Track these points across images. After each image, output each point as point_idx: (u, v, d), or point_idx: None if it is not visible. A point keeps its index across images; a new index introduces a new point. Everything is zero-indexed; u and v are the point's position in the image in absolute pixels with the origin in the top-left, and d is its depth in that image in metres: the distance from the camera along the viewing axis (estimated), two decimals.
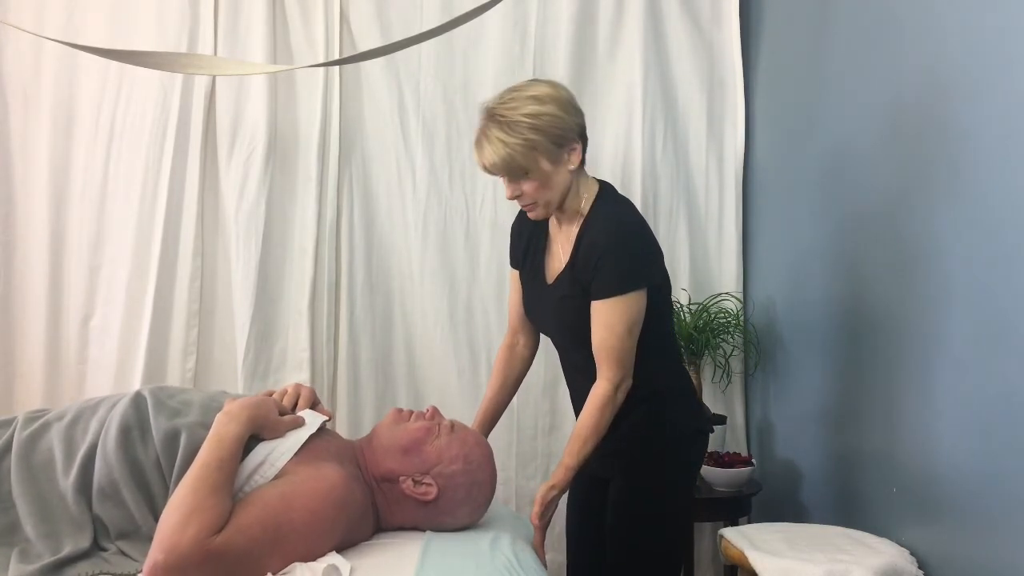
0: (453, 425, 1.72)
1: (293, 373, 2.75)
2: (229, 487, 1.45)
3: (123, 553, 1.52)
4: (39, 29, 2.59)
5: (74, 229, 2.72)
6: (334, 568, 1.44)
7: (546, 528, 1.77)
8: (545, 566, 1.68)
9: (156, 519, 1.52)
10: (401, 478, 1.65)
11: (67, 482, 1.55)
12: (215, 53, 2.72)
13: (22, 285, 2.71)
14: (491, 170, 1.78)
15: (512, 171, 1.76)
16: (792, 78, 2.70)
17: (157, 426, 1.57)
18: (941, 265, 1.92)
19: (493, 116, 1.75)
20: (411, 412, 1.73)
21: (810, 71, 2.56)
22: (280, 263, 2.78)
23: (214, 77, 2.73)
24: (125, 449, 1.54)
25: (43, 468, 1.57)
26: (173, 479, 1.53)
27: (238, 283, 2.74)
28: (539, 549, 1.72)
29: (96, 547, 1.52)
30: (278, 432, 1.61)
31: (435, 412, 1.74)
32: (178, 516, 1.37)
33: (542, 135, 1.73)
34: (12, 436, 1.62)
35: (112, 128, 2.72)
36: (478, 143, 1.77)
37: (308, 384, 2.61)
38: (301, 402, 1.73)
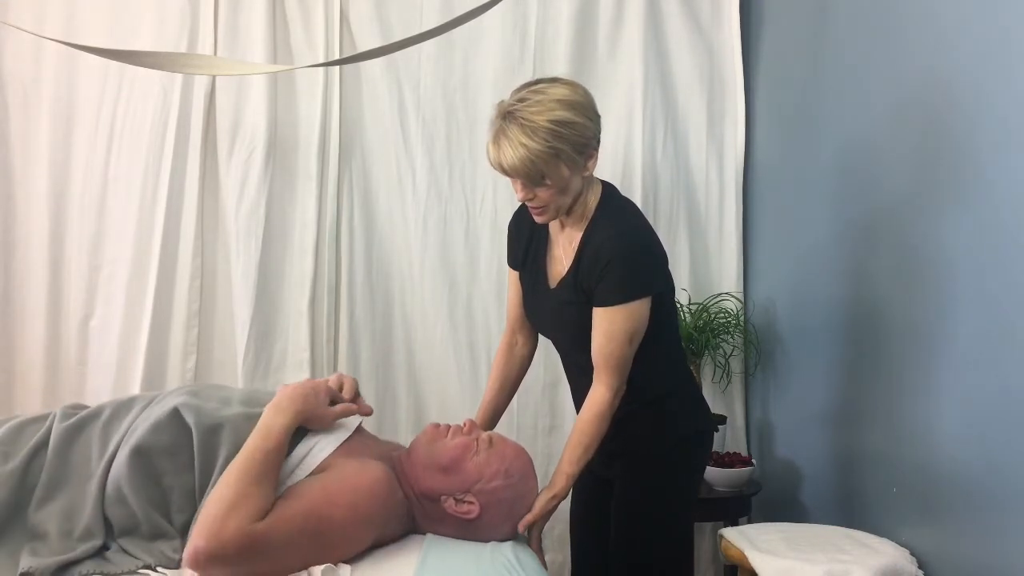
0: (491, 439, 1.69)
1: (293, 373, 2.74)
2: (273, 478, 1.47)
3: (124, 551, 1.52)
4: (39, 29, 2.58)
5: (74, 229, 2.71)
6: (333, 569, 1.44)
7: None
8: (545, 566, 1.67)
9: (166, 520, 1.53)
10: (443, 497, 1.63)
11: (92, 484, 1.55)
12: (215, 53, 2.72)
13: (22, 285, 2.70)
14: (509, 172, 1.71)
15: (531, 176, 1.70)
16: (792, 78, 2.70)
17: (197, 423, 1.55)
18: (943, 265, 1.92)
19: (515, 118, 1.67)
20: (448, 427, 1.70)
21: (810, 71, 2.55)
22: (280, 263, 2.77)
23: (214, 77, 2.72)
24: (136, 462, 1.54)
25: (78, 467, 1.57)
26: (213, 477, 1.52)
27: (238, 283, 2.74)
28: (537, 554, 1.71)
29: (102, 547, 1.52)
30: (325, 425, 1.61)
31: (472, 426, 1.71)
32: (221, 504, 1.39)
33: (567, 143, 1.67)
34: (48, 433, 1.61)
35: (112, 128, 2.71)
36: (496, 142, 1.69)
37: None
38: (345, 392, 1.71)
